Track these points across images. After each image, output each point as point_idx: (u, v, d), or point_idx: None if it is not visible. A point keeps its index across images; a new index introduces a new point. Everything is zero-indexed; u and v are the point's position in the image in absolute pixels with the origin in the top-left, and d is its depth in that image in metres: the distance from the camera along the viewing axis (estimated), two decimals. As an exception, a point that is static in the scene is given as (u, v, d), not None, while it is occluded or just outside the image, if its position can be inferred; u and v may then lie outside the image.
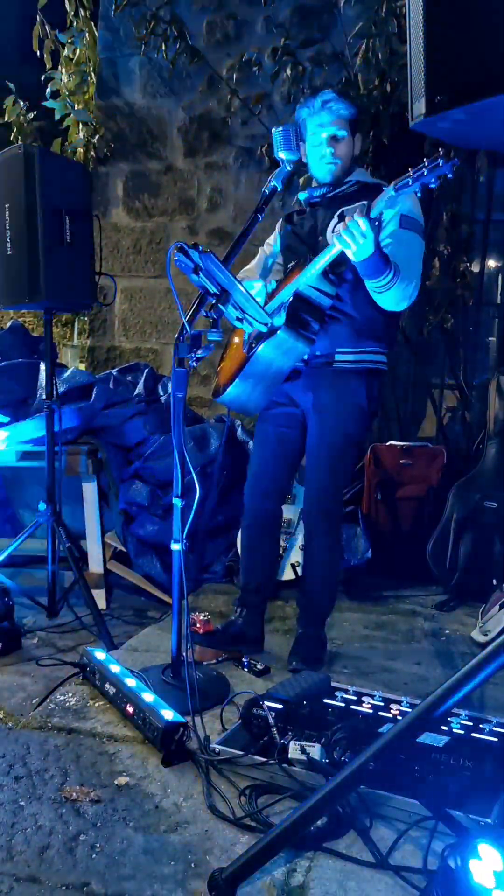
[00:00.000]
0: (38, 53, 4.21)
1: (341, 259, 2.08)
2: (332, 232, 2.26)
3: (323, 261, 2.14)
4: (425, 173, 1.87)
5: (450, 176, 1.85)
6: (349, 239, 1.97)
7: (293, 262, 2.36)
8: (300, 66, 3.61)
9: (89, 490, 3.00)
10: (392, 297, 2.13)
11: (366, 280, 2.11)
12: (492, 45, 1.22)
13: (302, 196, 2.44)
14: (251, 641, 2.50)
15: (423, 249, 2.25)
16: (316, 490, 2.37)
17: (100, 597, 2.91)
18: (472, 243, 3.67)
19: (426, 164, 1.86)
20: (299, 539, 3.01)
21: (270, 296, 2.33)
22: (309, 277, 2.18)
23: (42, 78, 4.33)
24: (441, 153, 1.85)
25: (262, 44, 3.79)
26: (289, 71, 3.62)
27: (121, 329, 4.38)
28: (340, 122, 2.28)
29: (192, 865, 1.46)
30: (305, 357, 2.28)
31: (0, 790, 1.70)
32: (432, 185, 1.89)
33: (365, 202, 2.19)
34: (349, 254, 2.01)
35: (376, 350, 2.32)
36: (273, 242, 2.54)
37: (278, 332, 2.16)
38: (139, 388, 3.41)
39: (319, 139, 2.30)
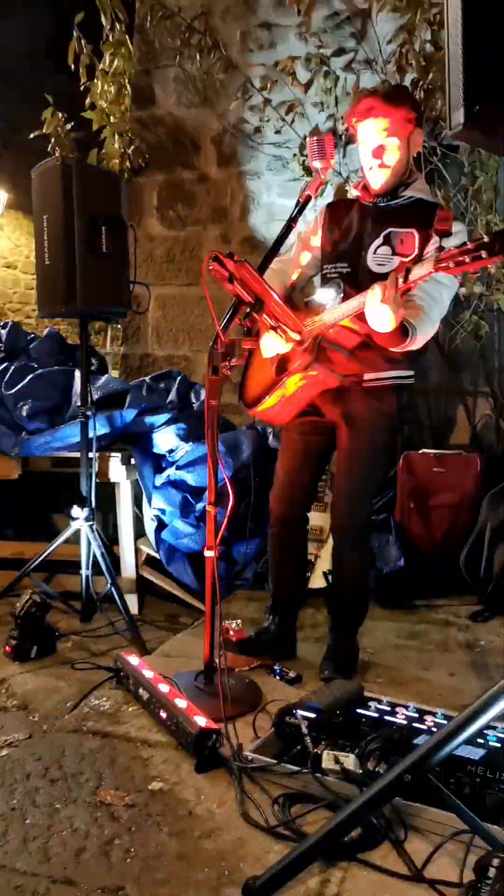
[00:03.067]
0: (73, 68, 4.28)
1: None
2: (374, 254, 2.22)
3: (354, 306, 2.08)
4: (467, 261, 1.71)
5: (492, 270, 1.76)
6: (372, 309, 1.95)
7: (333, 275, 2.32)
8: (333, 74, 3.62)
9: (123, 496, 3.03)
10: (411, 347, 2.10)
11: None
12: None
13: (355, 192, 2.35)
14: (283, 649, 2.50)
15: (455, 287, 2.20)
16: (345, 499, 2.36)
17: (132, 602, 2.93)
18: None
19: (470, 248, 1.70)
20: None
21: (311, 311, 2.31)
22: (340, 320, 2.15)
23: (80, 89, 4.39)
24: (485, 240, 1.66)
25: (296, 52, 3.80)
26: (322, 79, 3.63)
27: (154, 336, 4.42)
28: (389, 128, 2.16)
29: (226, 872, 1.46)
30: None
31: (36, 792, 1.72)
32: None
33: (413, 230, 2.16)
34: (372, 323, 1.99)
35: (405, 367, 2.30)
36: (315, 236, 2.40)
37: (308, 369, 2.19)
38: (172, 396, 3.43)
39: (367, 148, 2.20)
